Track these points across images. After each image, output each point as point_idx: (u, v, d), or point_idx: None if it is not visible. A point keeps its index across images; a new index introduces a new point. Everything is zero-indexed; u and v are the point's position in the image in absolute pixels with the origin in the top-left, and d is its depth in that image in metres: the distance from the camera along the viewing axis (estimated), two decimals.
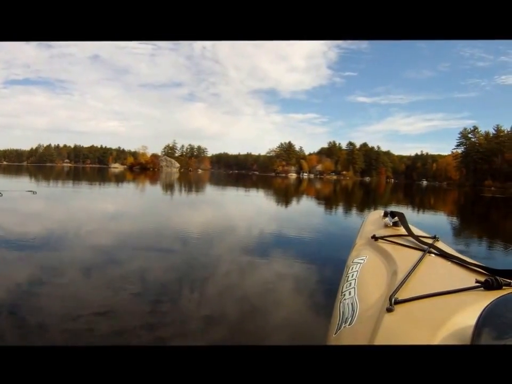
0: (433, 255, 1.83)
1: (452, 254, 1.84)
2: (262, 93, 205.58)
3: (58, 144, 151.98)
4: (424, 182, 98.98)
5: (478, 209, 23.78)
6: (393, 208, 18.64)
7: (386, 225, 2.64)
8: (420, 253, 1.81)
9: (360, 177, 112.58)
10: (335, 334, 1.35)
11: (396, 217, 2.61)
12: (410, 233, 2.26)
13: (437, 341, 0.96)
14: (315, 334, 3.16)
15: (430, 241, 2.13)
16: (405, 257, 1.77)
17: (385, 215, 2.80)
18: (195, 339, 3.14)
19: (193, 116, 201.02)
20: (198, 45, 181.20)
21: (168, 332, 3.27)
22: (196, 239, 7.67)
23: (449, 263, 1.70)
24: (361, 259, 1.96)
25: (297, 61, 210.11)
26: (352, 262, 1.98)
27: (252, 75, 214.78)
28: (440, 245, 2.11)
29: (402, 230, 2.41)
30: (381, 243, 2.15)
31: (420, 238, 2.16)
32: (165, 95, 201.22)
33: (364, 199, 27.80)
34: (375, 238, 2.25)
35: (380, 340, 1.05)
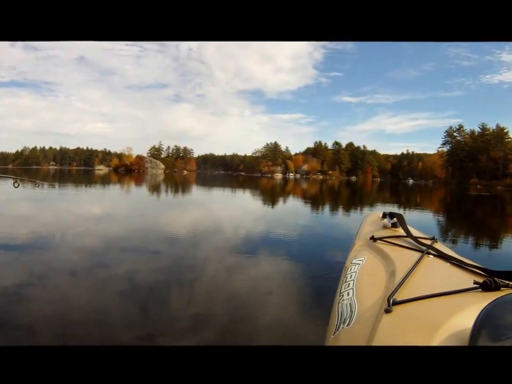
0: (431, 256, 1.82)
1: (450, 255, 1.81)
2: (248, 94, 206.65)
3: (44, 147, 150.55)
4: (410, 181, 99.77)
5: (464, 207, 23.76)
6: (379, 207, 18.80)
7: (385, 226, 2.66)
8: (418, 254, 1.80)
9: (346, 177, 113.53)
10: (333, 335, 1.35)
11: (395, 218, 2.61)
12: (408, 234, 2.26)
13: (435, 342, 0.96)
14: (305, 334, 3.25)
15: (428, 242, 2.11)
16: (404, 258, 1.77)
17: (384, 216, 2.80)
18: (186, 340, 3.10)
19: (179, 117, 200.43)
20: (184, 46, 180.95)
21: (157, 333, 3.22)
22: (184, 240, 7.54)
23: (448, 264, 1.70)
24: (360, 260, 1.96)
25: (283, 62, 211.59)
26: (351, 263, 1.98)
27: (237, 76, 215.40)
28: (438, 246, 2.09)
29: (401, 231, 2.43)
30: (379, 244, 2.16)
31: (418, 239, 2.15)
32: (151, 96, 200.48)
33: (351, 198, 27.74)
34: (373, 239, 2.25)
35: (378, 341, 1.06)
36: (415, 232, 2.38)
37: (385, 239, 2.20)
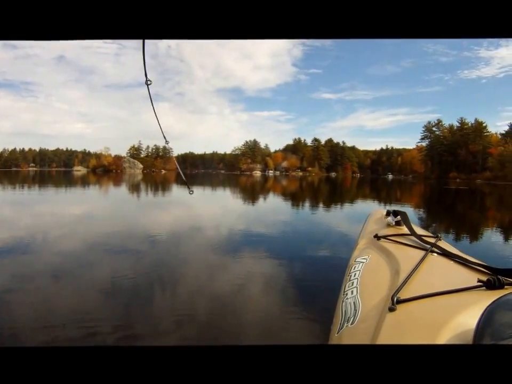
0: (435, 254, 1.83)
1: (454, 253, 1.81)
2: (227, 92, 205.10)
3: (23, 148, 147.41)
4: (390, 176, 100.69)
5: (443, 201, 23.56)
6: (360, 202, 18.41)
7: (388, 225, 2.64)
8: (422, 252, 1.81)
9: (326, 173, 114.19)
10: (337, 333, 1.37)
11: (398, 216, 2.60)
12: (412, 233, 2.24)
13: (438, 340, 0.97)
14: (307, 332, 3.20)
15: (432, 240, 2.10)
16: (408, 256, 1.79)
17: (388, 214, 2.79)
18: (182, 340, 3.02)
19: (158, 116, 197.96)
20: (163, 43, 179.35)
21: (142, 333, 3.15)
22: (165, 240, 7.46)
23: (452, 262, 1.70)
24: (364, 258, 1.97)
25: (262, 59, 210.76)
26: (355, 261, 1.99)
27: (216, 74, 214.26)
28: (442, 244, 2.07)
29: (404, 229, 2.41)
30: (383, 242, 2.16)
31: (422, 237, 2.13)
32: (130, 95, 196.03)
33: (331, 194, 27.45)
34: (377, 237, 2.25)
35: (382, 340, 1.07)
36: (419, 230, 2.36)
37: (389, 237, 2.20)
